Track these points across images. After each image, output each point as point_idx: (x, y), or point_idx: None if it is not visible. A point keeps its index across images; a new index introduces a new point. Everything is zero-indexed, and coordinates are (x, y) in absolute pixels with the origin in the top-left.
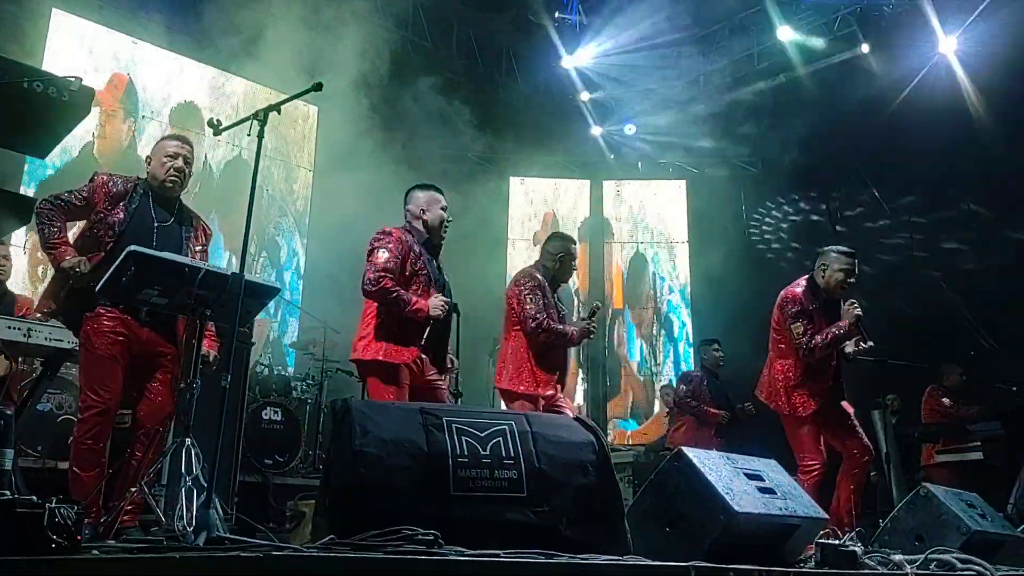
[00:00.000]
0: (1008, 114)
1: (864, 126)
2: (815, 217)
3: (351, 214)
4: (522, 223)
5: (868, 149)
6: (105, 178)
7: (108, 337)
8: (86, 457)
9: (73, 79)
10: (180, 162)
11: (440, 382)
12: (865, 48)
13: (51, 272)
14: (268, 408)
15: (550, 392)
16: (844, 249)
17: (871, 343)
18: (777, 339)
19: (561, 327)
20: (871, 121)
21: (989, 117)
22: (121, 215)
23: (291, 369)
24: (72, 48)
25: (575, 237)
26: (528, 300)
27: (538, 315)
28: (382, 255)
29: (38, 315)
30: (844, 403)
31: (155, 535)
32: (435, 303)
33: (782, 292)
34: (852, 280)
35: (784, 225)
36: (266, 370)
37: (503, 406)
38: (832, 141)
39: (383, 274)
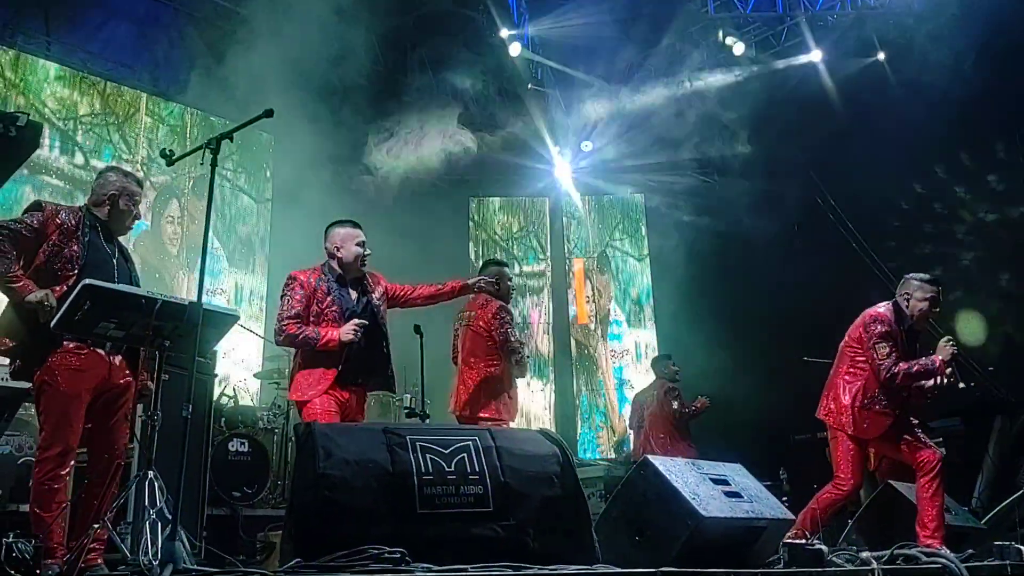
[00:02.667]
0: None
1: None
2: (773, 221)
3: (311, 240)
4: (483, 243)
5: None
6: (53, 208)
7: (77, 374)
8: (47, 498)
9: (20, 114)
10: (137, 208)
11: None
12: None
13: None
14: (235, 440)
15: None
16: (927, 277)
17: (962, 384)
18: (854, 356)
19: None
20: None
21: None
22: (76, 248)
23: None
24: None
25: (534, 255)
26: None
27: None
28: (283, 304)
29: None
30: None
31: (121, 572)
32: (345, 329)
33: (867, 311)
34: (937, 310)
35: (746, 230)
36: (231, 401)
37: None
38: (785, 149)
39: (285, 322)
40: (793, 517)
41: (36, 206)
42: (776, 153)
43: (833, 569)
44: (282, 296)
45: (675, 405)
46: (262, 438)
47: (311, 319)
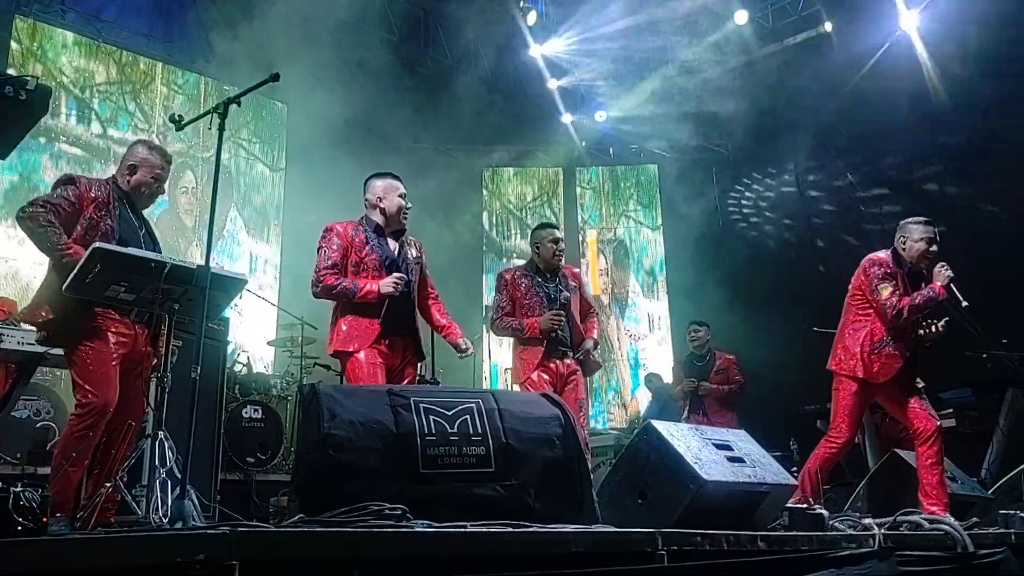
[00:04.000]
0: (963, 93)
1: (825, 103)
2: (786, 190)
3: (325, 209)
4: (496, 214)
5: (829, 126)
6: (86, 182)
7: (116, 337)
8: (78, 448)
9: (30, 78)
10: (162, 184)
11: (410, 370)
12: (828, 27)
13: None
14: (248, 406)
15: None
16: (921, 219)
17: (966, 303)
18: (857, 304)
19: (514, 320)
20: (832, 98)
21: (947, 95)
22: (111, 222)
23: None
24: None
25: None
26: (495, 295)
27: (494, 312)
28: (320, 256)
29: (22, 321)
30: (919, 377)
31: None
32: (385, 281)
33: (866, 257)
34: (935, 248)
35: (760, 203)
36: (245, 369)
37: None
38: (795, 119)
39: (323, 273)
40: (795, 482)
41: (69, 180)
42: (788, 119)
43: (834, 534)
44: (319, 248)
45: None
46: (275, 405)
47: (350, 269)
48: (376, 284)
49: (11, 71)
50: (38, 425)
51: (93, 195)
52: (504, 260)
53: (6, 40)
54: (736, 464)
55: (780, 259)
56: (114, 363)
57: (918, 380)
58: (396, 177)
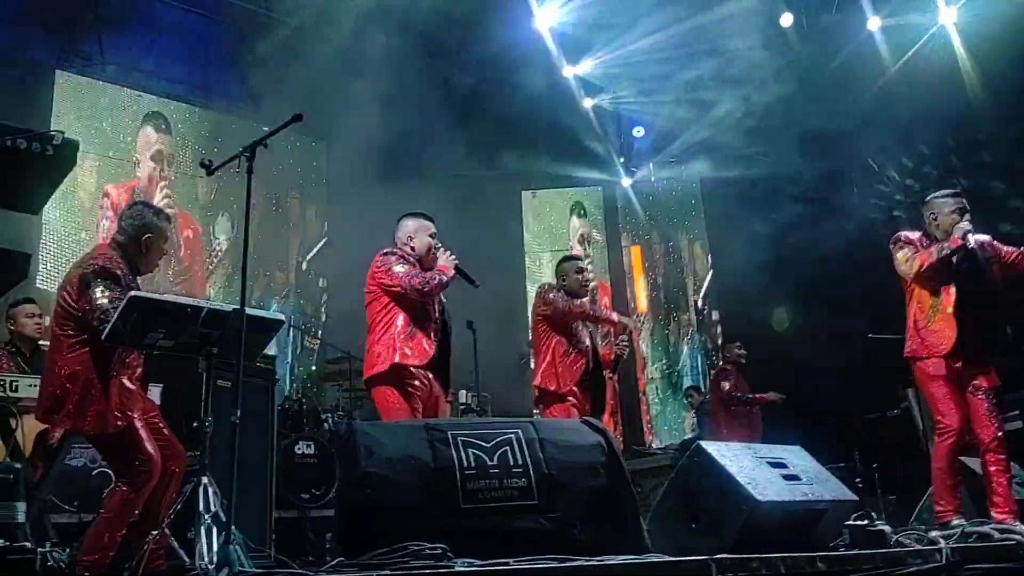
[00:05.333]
0: (1004, 91)
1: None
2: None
3: (365, 240)
4: (538, 237)
5: (869, 122)
6: (119, 267)
7: (127, 413)
8: (128, 515)
9: (56, 132)
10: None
11: (445, 403)
12: (875, 24)
13: None
14: (301, 442)
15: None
16: (947, 191)
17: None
18: (903, 287)
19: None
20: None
21: (985, 92)
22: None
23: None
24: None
25: (593, 243)
26: (549, 295)
27: (556, 302)
28: (391, 270)
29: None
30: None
31: None
32: (444, 259)
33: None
34: (967, 216)
35: (813, 210)
36: (296, 405)
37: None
38: (834, 119)
39: (404, 278)
40: (856, 498)
41: (112, 276)
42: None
43: (899, 550)
44: (386, 269)
45: (726, 387)
46: (327, 440)
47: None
48: (439, 267)
49: (56, 125)
50: (93, 473)
51: (125, 282)
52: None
53: (48, 94)
54: (792, 482)
55: (837, 266)
56: (143, 424)
57: (984, 380)
58: (428, 217)
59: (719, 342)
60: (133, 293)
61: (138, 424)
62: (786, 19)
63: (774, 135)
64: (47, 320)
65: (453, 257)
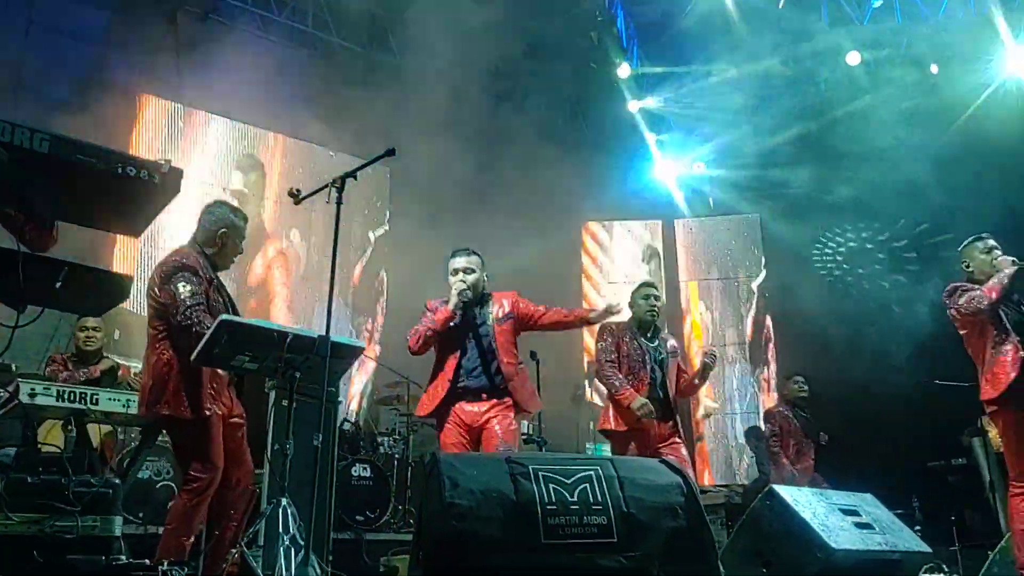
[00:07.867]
0: None
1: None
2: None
3: (426, 270)
4: (598, 268)
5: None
6: (196, 263)
7: (216, 404)
8: (195, 521)
9: (163, 162)
10: (241, 243)
11: (492, 416)
12: (935, 69)
13: None
14: (357, 465)
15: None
16: (971, 238)
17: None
18: (965, 333)
19: (616, 376)
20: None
21: None
22: (218, 297)
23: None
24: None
25: (652, 278)
26: (599, 343)
27: (599, 357)
28: (413, 330)
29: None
30: None
31: None
32: (450, 298)
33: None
34: (999, 253)
35: (863, 248)
36: (353, 427)
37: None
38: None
39: (412, 336)
40: (929, 549)
41: (189, 269)
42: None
43: None
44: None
45: (767, 428)
46: (383, 463)
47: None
48: (442, 310)
49: (142, 150)
50: (159, 485)
51: (206, 276)
52: None
53: (132, 118)
54: (865, 531)
55: (899, 307)
56: (219, 429)
57: None
58: (454, 253)
59: (773, 380)
60: (224, 317)
61: (217, 422)
62: (852, 58)
63: (835, 169)
64: (100, 334)
65: (456, 293)
